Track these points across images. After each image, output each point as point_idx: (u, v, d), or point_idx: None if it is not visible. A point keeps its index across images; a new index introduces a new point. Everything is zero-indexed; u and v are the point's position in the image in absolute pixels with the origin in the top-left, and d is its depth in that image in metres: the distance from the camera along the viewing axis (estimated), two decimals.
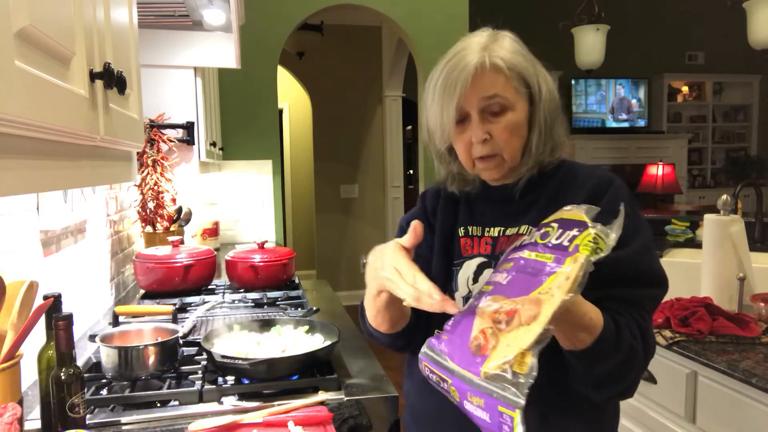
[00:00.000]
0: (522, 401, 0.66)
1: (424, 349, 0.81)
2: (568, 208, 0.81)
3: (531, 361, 0.67)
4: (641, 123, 7.19)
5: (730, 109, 7.62)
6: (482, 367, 0.70)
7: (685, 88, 7.48)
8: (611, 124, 7.10)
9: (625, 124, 7.14)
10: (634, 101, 7.14)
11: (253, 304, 1.98)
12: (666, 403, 1.67)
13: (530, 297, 0.71)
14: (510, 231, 1.02)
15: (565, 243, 0.75)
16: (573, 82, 6.86)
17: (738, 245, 1.76)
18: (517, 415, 0.67)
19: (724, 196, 1.84)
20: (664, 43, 7.13)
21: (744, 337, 1.55)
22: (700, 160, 7.52)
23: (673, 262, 2.12)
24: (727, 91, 7.55)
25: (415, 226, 0.83)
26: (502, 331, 0.71)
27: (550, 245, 0.76)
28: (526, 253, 0.79)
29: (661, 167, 5.97)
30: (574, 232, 0.75)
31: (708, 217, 1.83)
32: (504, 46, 0.97)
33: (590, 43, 4.31)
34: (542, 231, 0.80)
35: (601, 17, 4.27)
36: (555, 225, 0.79)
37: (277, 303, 2.00)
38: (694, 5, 6.94)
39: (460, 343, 0.75)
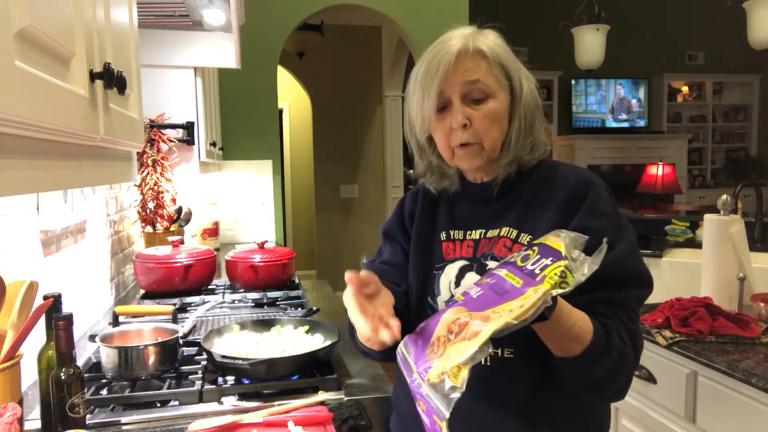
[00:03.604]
0: (446, 414, 0.68)
1: (400, 345, 0.82)
2: (555, 233, 0.81)
3: (464, 375, 0.68)
4: (641, 123, 7.19)
5: (730, 109, 7.62)
6: (426, 375, 0.71)
7: (685, 88, 7.48)
8: (611, 124, 7.10)
9: (625, 124, 7.14)
10: (634, 101, 7.15)
11: (253, 304, 1.98)
12: (666, 403, 1.67)
13: (483, 314, 0.73)
14: (491, 233, 1.00)
15: (537, 271, 0.76)
16: (573, 82, 6.86)
17: (738, 245, 1.76)
18: (444, 426, 0.68)
19: (724, 196, 1.84)
20: (664, 43, 7.13)
21: (744, 337, 1.55)
22: (700, 160, 7.52)
23: (673, 262, 2.13)
24: (727, 91, 7.56)
25: (350, 278, 0.79)
26: (451, 341, 0.72)
27: (524, 270, 0.78)
28: (503, 272, 0.80)
29: (661, 167, 5.96)
30: (548, 261, 0.76)
31: (708, 217, 1.84)
32: (488, 37, 0.98)
33: (590, 43, 4.32)
34: (525, 253, 0.82)
35: (601, 17, 4.27)
36: (536, 249, 0.80)
37: (277, 303, 2.00)
38: (694, 5, 6.94)
39: (421, 345, 0.77)
